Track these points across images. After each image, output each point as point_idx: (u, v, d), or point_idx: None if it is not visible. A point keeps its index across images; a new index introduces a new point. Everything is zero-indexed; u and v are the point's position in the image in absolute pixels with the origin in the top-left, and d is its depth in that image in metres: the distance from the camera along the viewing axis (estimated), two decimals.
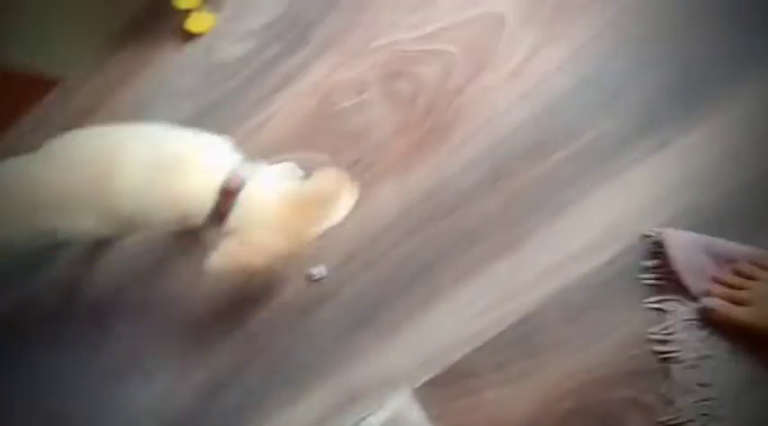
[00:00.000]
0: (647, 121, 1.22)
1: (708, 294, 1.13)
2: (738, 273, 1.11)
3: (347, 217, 1.32)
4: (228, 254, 1.07)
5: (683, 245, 1.14)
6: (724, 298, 1.10)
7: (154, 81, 1.54)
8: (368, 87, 1.38)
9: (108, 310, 1.44)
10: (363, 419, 1.24)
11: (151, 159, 1.07)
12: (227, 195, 1.07)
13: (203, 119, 1.48)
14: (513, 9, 1.31)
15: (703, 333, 1.12)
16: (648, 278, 1.17)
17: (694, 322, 1.13)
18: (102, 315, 1.45)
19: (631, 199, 1.20)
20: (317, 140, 1.40)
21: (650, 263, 1.17)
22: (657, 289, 1.16)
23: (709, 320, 1.12)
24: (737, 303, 1.09)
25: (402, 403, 1.24)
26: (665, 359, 1.13)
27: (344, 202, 1.15)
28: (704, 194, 1.17)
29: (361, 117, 1.37)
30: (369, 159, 1.35)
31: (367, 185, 1.34)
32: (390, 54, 1.38)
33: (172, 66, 1.53)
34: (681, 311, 1.14)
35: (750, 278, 1.10)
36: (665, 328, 1.14)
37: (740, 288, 1.10)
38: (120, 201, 1.06)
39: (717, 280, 1.13)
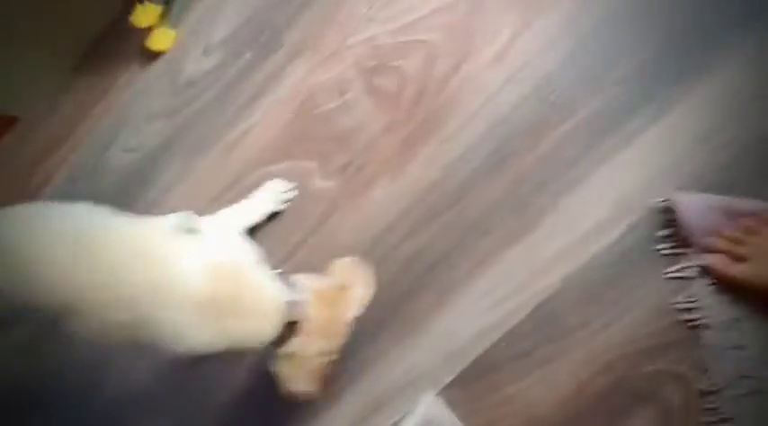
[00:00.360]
0: (642, 90, 1.19)
1: (710, 250, 1.11)
2: (743, 228, 1.09)
3: (344, 225, 1.29)
4: (297, 381, 1.07)
5: (694, 206, 1.12)
6: (724, 254, 1.09)
7: (120, 107, 1.47)
8: (350, 86, 1.33)
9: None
10: (398, 424, 1.20)
11: (199, 291, 0.97)
12: (291, 326, 1.04)
13: (179, 139, 1.42)
14: None
15: (729, 296, 1.10)
16: (665, 247, 1.15)
17: (718, 285, 1.11)
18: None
19: (638, 170, 1.18)
20: (302, 147, 1.35)
21: (665, 232, 1.15)
22: (676, 258, 1.14)
23: (712, 277, 1.11)
24: (737, 259, 1.07)
25: (430, 405, 1.20)
26: (694, 326, 1.11)
27: (363, 287, 1.11)
28: (711, 156, 1.15)
29: (347, 117, 1.32)
30: (360, 161, 1.31)
31: (362, 188, 1.30)
32: (369, 50, 1.33)
33: (138, 89, 1.46)
34: (703, 276, 1.12)
35: (753, 233, 1.08)
36: (690, 296, 1.12)
37: (742, 244, 1.08)
38: (157, 332, 0.96)
39: (720, 235, 1.11)
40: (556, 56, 1.23)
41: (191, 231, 1.28)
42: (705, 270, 1.11)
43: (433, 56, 1.29)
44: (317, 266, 1.16)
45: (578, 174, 1.20)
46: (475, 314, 1.22)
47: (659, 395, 1.12)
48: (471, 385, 1.21)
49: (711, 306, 1.10)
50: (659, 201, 1.15)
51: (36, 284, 0.92)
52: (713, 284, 1.11)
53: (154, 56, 1.45)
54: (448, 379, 1.22)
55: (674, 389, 1.12)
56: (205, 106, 1.41)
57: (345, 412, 1.26)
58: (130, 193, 1.44)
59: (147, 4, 1.44)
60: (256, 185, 1.35)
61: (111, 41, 1.49)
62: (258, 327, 1.02)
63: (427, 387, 1.22)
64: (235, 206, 1.28)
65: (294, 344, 1.04)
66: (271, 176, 1.35)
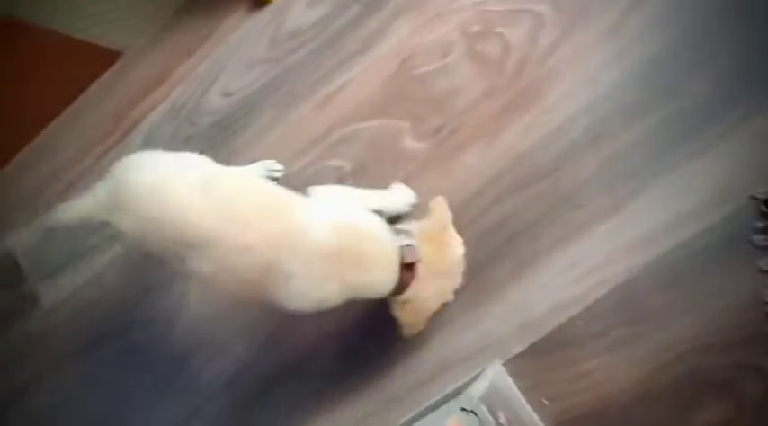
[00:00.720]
0: (748, 82, 1.16)
1: None
2: None
3: (431, 187, 1.29)
4: (416, 324, 1.14)
5: None
6: None
7: (223, 50, 1.50)
8: (452, 49, 1.33)
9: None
10: (464, 387, 1.21)
11: (323, 245, 1.02)
12: (408, 268, 1.08)
13: (275, 88, 1.44)
14: None
15: None
16: (760, 239, 1.12)
17: None
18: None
19: (739, 160, 1.15)
20: (397, 106, 1.36)
21: (762, 224, 1.12)
22: None
23: None
24: None
25: (497, 373, 1.20)
26: None
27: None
28: None
29: (445, 80, 1.33)
30: (453, 124, 1.31)
31: (453, 151, 1.30)
32: (475, 14, 1.33)
33: (243, 34, 1.49)
34: None
35: None
36: None
37: None
38: (282, 285, 1.02)
39: None
40: (661, 39, 1.21)
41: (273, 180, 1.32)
42: None
43: (539, 26, 1.28)
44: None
45: (675, 160, 1.17)
46: (554, 287, 1.21)
47: (737, 388, 1.10)
48: (542, 358, 1.20)
49: None
50: (761, 193, 1.12)
51: (170, 225, 0.99)
52: None
53: (261, 3, 1.48)
54: (517, 350, 1.22)
55: (754, 383, 1.09)
56: (304, 58, 1.43)
57: (411, 372, 1.28)
58: (220, 137, 1.48)
59: None
60: (345, 141, 1.38)
61: None
62: (381, 278, 1.07)
63: (495, 356, 1.22)
64: (362, 190, 1.27)
65: (410, 291, 1.08)
66: (361, 132, 1.36)
